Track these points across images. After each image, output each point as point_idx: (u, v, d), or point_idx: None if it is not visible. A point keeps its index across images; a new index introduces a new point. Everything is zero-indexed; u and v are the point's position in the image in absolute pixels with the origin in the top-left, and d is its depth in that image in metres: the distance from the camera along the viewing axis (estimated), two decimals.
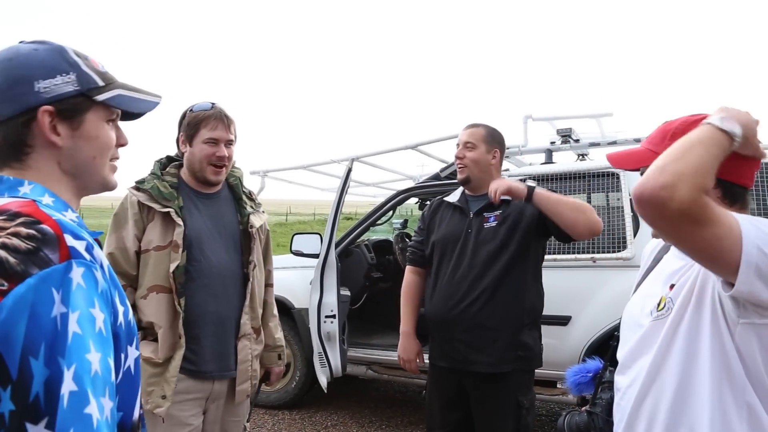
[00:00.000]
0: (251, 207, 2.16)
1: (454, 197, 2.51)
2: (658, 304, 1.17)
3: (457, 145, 2.45)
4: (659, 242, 1.38)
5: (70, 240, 0.80)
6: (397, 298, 5.03)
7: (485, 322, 2.28)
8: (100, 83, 0.98)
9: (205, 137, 1.97)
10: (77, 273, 0.79)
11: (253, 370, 2.13)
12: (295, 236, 4.19)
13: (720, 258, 0.96)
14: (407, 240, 4.71)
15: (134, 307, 1.92)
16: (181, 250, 1.91)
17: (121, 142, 1.06)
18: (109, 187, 1.04)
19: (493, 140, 2.43)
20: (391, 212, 4.36)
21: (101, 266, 0.85)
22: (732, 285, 0.97)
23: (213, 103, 2.01)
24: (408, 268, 2.67)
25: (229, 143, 2.01)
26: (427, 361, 2.54)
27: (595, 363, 1.65)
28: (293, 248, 4.15)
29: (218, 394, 2.04)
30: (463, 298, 2.31)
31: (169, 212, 1.92)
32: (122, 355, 0.89)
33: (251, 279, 2.09)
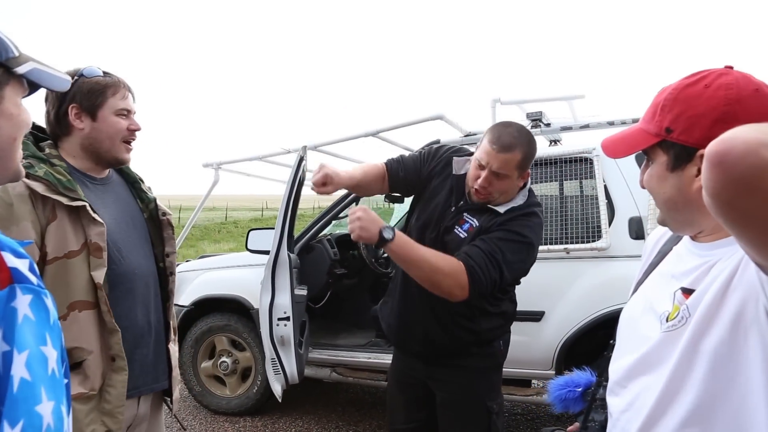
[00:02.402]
0: (149, 189, 1.86)
1: (460, 168, 2.05)
2: (669, 313, 0.94)
3: (481, 165, 1.90)
4: (664, 232, 1.15)
5: (10, 259, 0.64)
6: (363, 295, 4.79)
7: (434, 324, 2.05)
8: (16, 52, 0.82)
9: (118, 108, 1.65)
10: (23, 302, 0.65)
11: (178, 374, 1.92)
12: (251, 232, 3.93)
13: None
14: None
15: None
16: (105, 253, 1.54)
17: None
18: (19, 176, 0.88)
19: (528, 162, 1.93)
20: (355, 204, 4.12)
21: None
22: None
23: (101, 69, 1.68)
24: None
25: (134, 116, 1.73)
26: (385, 359, 2.31)
27: (585, 375, 1.41)
28: (249, 245, 3.88)
29: (142, 418, 1.75)
30: (417, 300, 2.05)
31: (83, 206, 1.52)
32: None
33: (174, 274, 1.83)
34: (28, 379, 0.63)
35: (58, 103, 1.62)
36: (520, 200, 1.99)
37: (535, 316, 3.24)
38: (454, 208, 2.03)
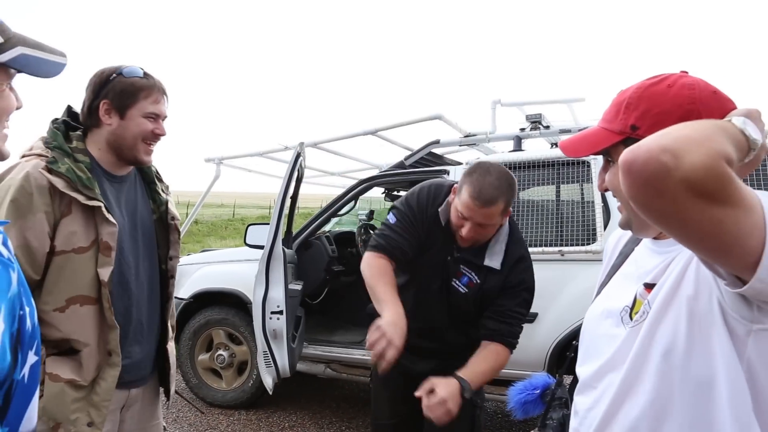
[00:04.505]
0: (163, 190, 1.89)
1: (445, 216, 2.01)
2: (632, 309, 0.96)
3: (462, 217, 1.88)
4: (624, 234, 1.16)
5: None
6: (360, 292, 4.81)
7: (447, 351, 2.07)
8: (1, 39, 0.82)
9: (147, 111, 1.66)
10: None
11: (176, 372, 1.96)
12: (250, 227, 3.96)
13: (735, 247, 0.69)
14: (371, 232, 4.49)
15: (40, 320, 1.60)
16: (114, 253, 1.58)
17: (18, 105, 0.90)
18: (3, 157, 0.90)
19: (510, 204, 1.93)
20: (353, 202, 4.14)
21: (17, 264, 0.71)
22: (742, 281, 0.74)
23: (143, 69, 1.71)
24: (376, 255, 2.02)
25: (163, 120, 1.75)
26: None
27: (542, 378, 1.44)
28: (247, 240, 3.92)
29: (134, 400, 1.80)
30: (424, 335, 2.04)
31: (98, 207, 1.56)
32: (20, 363, 0.74)
33: (174, 278, 1.87)
34: None
35: (93, 96, 1.65)
36: (503, 236, 2.02)
37: (528, 318, 3.25)
38: (450, 258, 2.03)
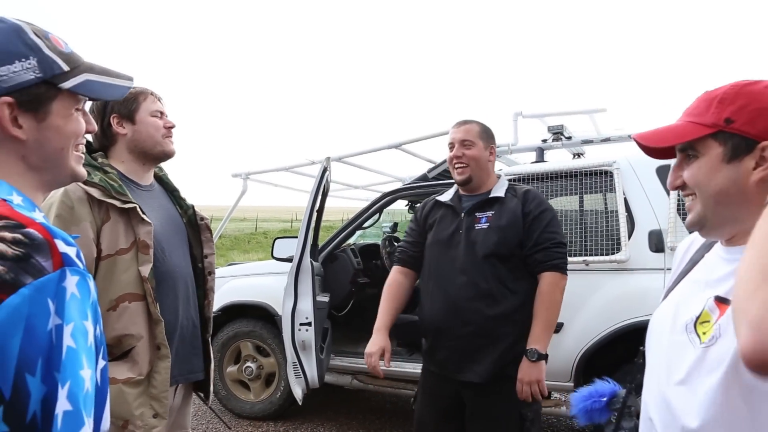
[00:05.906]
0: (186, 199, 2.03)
1: (446, 196, 2.41)
2: (698, 319, 0.93)
3: (451, 144, 2.33)
4: (693, 240, 1.14)
5: (62, 246, 0.74)
6: None
7: (481, 331, 2.16)
8: (65, 68, 0.88)
9: (152, 109, 1.83)
10: (71, 282, 0.74)
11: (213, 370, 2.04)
12: (277, 240, 4.04)
13: None
14: (395, 244, 4.54)
15: None
16: (152, 250, 1.70)
17: (89, 129, 0.96)
18: (78, 178, 0.96)
19: (488, 136, 2.35)
20: (377, 215, 4.20)
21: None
22: None
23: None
24: (394, 268, 2.48)
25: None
26: (406, 368, 2.39)
27: (608, 386, 1.40)
28: (274, 253, 3.99)
29: (174, 409, 1.88)
30: (459, 305, 2.18)
31: (134, 208, 1.68)
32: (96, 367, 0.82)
33: (213, 273, 1.98)
34: (73, 347, 0.72)
35: (100, 117, 1.81)
36: (503, 182, 2.34)
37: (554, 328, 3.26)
38: (463, 214, 2.29)
